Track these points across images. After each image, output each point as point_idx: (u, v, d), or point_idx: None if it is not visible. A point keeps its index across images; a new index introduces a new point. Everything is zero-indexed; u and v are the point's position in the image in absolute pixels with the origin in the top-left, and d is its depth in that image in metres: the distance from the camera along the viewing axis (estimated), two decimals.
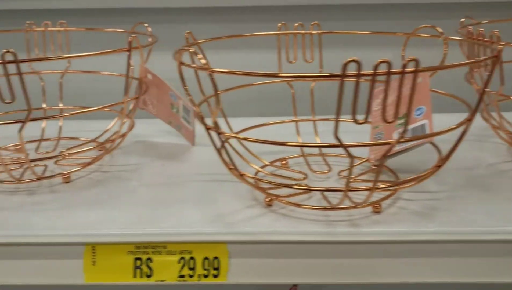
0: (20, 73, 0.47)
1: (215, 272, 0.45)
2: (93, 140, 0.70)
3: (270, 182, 0.50)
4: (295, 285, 0.86)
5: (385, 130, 0.59)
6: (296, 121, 0.67)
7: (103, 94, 0.83)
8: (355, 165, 0.60)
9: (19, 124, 0.51)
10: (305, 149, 0.63)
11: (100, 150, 0.66)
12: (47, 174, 0.60)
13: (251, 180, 0.52)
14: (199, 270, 0.45)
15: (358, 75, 0.36)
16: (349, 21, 0.89)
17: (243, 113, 0.76)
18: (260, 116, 0.71)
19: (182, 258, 0.45)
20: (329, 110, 0.70)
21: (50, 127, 0.73)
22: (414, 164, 0.60)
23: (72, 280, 0.46)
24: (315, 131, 0.67)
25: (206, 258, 0.45)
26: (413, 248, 0.46)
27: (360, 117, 0.40)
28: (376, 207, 0.50)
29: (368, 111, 0.41)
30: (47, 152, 0.67)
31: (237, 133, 0.60)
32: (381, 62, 0.37)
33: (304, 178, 0.57)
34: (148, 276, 0.45)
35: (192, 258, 0.45)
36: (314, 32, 0.67)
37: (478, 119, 0.55)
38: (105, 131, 0.71)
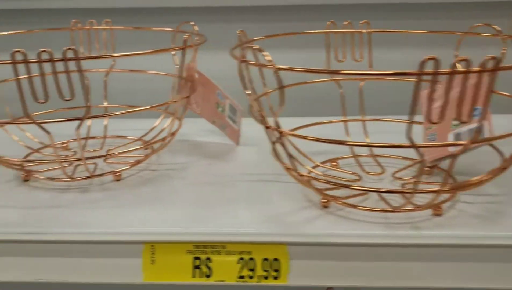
0: (81, 70, 0.47)
1: (275, 273, 0.45)
2: (139, 139, 0.70)
3: (327, 182, 0.49)
4: (330, 287, 0.85)
5: (439, 131, 0.58)
6: (344, 121, 0.66)
7: (142, 93, 0.83)
8: (408, 167, 0.59)
9: (69, 122, 0.51)
10: (355, 149, 0.62)
11: (146, 149, 0.66)
12: (97, 172, 0.60)
13: (309, 181, 0.51)
14: (259, 271, 0.45)
15: (435, 74, 0.35)
16: (396, 20, 0.87)
17: (285, 113, 0.75)
18: (303, 116, 0.70)
19: (242, 258, 0.45)
20: (372, 110, 0.70)
21: (93, 125, 0.73)
22: (467, 165, 0.59)
23: (131, 279, 0.46)
24: (364, 131, 0.66)
25: (265, 259, 0.45)
26: (478, 252, 0.45)
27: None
28: (437, 210, 0.48)
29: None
30: (94, 150, 0.68)
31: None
32: (460, 60, 0.35)
33: (358, 179, 0.56)
34: (207, 276, 0.45)
35: (251, 259, 0.45)
36: (363, 30, 0.66)
37: None
38: (151, 130, 0.70)
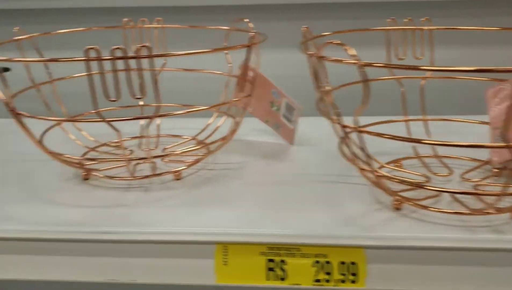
0: (154, 69, 0.46)
1: (352, 277, 0.43)
2: (193, 138, 0.70)
3: (402, 182, 0.48)
4: None
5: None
6: (406, 121, 0.64)
7: (189, 92, 0.83)
8: (476, 168, 0.57)
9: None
10: (419, 150, 0.60)
11: (204, 148, 0.65)
12: (156, 171, 0.59)
13: (382, 181, 0.49)
14: (336, 275, 0.43)
15: None
16: (456, 18, 0.85)
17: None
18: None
19: (317, 261, 0.44)
20: (433, 110, 0.68)
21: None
22: None
23: (203, 281, 0.45)
24: (426, 131, 0.64)
25: (342, 263, 0.43)
26: None
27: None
28: None
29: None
30: (150, 149, 0.67)
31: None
32: None
33: (427, 181, 0.54)
34: (282, 279, 0.44)
35: (328, 262, 0.43)
36: (425, 28, 0.64)
37: None
38: (204, 128, 0.70)
